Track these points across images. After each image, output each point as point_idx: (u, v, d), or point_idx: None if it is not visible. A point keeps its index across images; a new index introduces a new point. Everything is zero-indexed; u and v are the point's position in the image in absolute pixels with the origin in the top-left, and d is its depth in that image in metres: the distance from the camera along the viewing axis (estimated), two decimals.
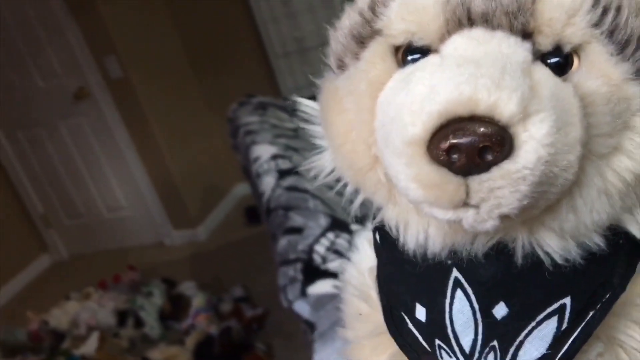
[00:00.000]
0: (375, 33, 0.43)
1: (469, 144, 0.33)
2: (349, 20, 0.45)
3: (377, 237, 0.53)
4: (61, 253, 3.67)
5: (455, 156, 0.34)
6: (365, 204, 0.50)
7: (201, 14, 3.19)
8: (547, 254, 0.42)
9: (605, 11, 0.38)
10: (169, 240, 3.40)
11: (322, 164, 0.50)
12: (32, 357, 2.52)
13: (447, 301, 0.46)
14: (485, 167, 0.34)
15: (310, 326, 1.13)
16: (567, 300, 0.43)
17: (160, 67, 3.17)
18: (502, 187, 0.34)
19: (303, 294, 1.12)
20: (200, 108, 3.43)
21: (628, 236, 0.43)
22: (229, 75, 3.28)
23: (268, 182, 1.43)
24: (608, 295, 0.44)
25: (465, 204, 0.36)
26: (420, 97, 0.35)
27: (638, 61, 0.39)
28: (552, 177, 0.35)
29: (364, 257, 0.59)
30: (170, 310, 2.55)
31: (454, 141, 0.33)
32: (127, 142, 3.16)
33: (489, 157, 0.33)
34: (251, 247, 3.00)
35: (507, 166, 0.34)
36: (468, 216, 0.36)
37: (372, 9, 0.43)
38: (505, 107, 0.33)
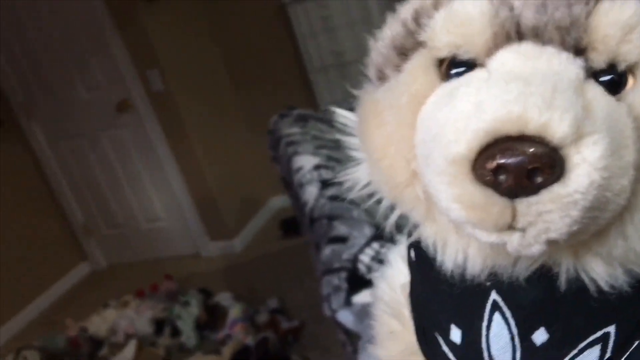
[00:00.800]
0: (418, 45, 0.42)
1: (517, 165, 0.31)
2: (391, 30, 0.44)
3: (412, 254, 0.51)
4: (100, 262, 3.73)
5: (502, 177, 0.32)
6: (402, 218, 0.49)
7: (241, 29, 3.24)
8: (593, 280, 0.40)
9: None
10: (205, 251, 3.43)
11: (358, 176, 0.49)
12: None
13: (484, 324, 0.45)
14: (534, 189, 0.32)
15: (352, 337, 1.13)
16: (611, 329, 0.42)
17: (201, 81, 3.22)
18: (552, 211, 0.32)
19: (347, 303, 1.12)
20: (238, 121, 3.47)
21: None
22: (268, 89, 3.31)
23: (311, 192, 1.44)
24: None
25: (511, 227, 0.34)
26: (465, 114, 0.34)
27: None
28: (605, 203, 0.33)
29: (396, 272, 0.57)
30: (206, 320, 2.56)
31: (502, 161, 0.32)
32: (167, 154, 3.21)
33: (539, 180, 0.32)
34: (287, 259, 3.00)
35: (557, 190, 0.32)
36: (513, 240, 0.35)
37: (416, 20, 0.41)
38: (557, 128, 0.31)
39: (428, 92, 0.40)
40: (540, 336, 0.43)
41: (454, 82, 0.39)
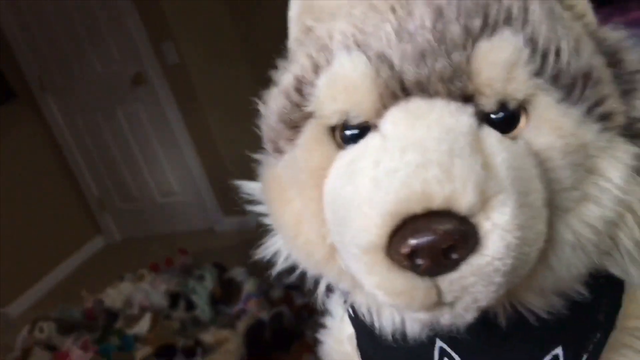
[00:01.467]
0: (307, 116, 0.40)
1: (431, 245, 0.31)
2: (276, 104, 0.43)
3: (351, 310, 0.49)
4: (114, 236, 3.76)
5: (418, 260, 0.31)
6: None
7: (257, 1, 3.19)
8: (531, 311, 0.40)
9: (544, 57, 0.35)
10: (219, 227, 3.43)
11: (278, 248, 0.47)
12: (86, 335, 2.58)
13: None
14: (453, 265, 0.32)
15: None
16: (559, 350, 0.42)
17: (216, 55, 3.19)
18: (475, 283, 0.32)
19: None
20: (254, 96, 3.44)
21: (608, 274, 0.41)
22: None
23: None
24: (599, 335, 0.43)
25: (439, 303, 0.33)
26: (367, 196, 0.33)
27: (587, 100, 0.36)
28: (525, 255, 0.33)
29: (339, 323, 0.55)
30: (221, 294, 2.57)
31: (414, 243, 0.31)
32: (182, 128, 3.20)
33: (455, 256, 0.31)
34: None
35: (476, 261, 0.31)
36: (444, 315, 0.34)
37: (299, 91, 0.40)
38: (462, 199, 0.31)
39: (327, 165, 0.39)
40: None
41: (351, 152, 0.38)
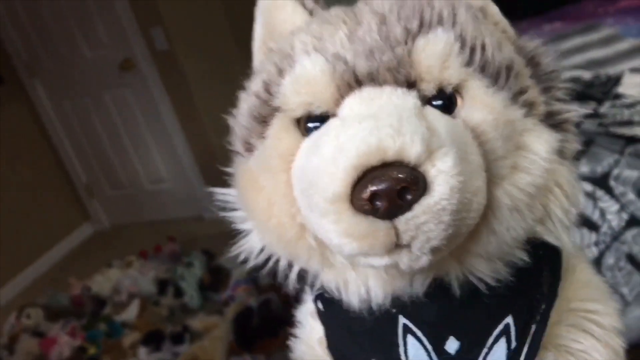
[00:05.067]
0: (274, 110, 0.45)
1: (387, 189, 0.35)
2: (246, 104, 0.48)
3: (320, 305, 0.53)
4: (103, 222, 3.74)
5: (378, 203, 0.36)
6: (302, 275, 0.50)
7: None
8: (480, 279, 0.44)
9: (472, 51, 0.42)
10: (208, 214, 3.42)
11: (251, 245, 0.51)
12: (74, 322, 2.58)
13: (402, 350, 0.48)
14: (408, 206, 0.36)
15: None
16: (509, 320, 0.46)
17: (205, 40, 3.17)
18: (427, 221, 0.36)
19: None
20: (243, 82, 3.43)
21: (546, 246, 0.46)
22: None
23: None
24: (544, 306, 0.47)
25: (398, 246, 0.37)
26: (332, 157, 0.37)
27: (511, 89, 0.43)
28: (467, 203, 0.37)
29: (309, 330, 0.58)
30: (209, 281, 2.57)
31: (373, 188, 0.35)
32: (171, 114, 3.18)
33: (409, 197, 0.35)
34: None
35: (426, 201, 0.36)
36: (403, 257, 0.38)
37: (267, 90, 0.46)
38: (411, 150, 0.35)
39: (294, 150, 0.44)
40: (452, 344, 0.46)
41: (315, 135, 0.43)
